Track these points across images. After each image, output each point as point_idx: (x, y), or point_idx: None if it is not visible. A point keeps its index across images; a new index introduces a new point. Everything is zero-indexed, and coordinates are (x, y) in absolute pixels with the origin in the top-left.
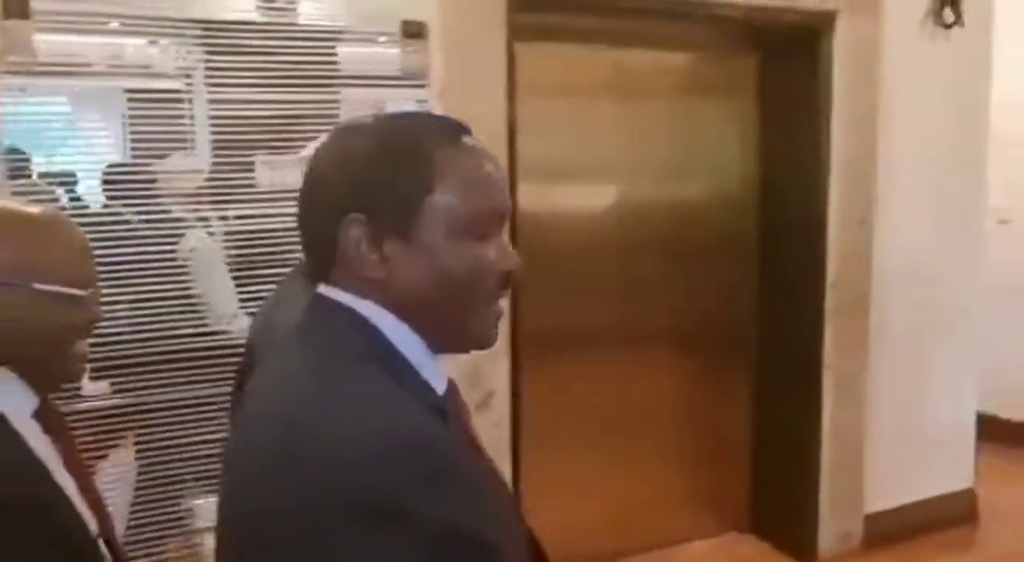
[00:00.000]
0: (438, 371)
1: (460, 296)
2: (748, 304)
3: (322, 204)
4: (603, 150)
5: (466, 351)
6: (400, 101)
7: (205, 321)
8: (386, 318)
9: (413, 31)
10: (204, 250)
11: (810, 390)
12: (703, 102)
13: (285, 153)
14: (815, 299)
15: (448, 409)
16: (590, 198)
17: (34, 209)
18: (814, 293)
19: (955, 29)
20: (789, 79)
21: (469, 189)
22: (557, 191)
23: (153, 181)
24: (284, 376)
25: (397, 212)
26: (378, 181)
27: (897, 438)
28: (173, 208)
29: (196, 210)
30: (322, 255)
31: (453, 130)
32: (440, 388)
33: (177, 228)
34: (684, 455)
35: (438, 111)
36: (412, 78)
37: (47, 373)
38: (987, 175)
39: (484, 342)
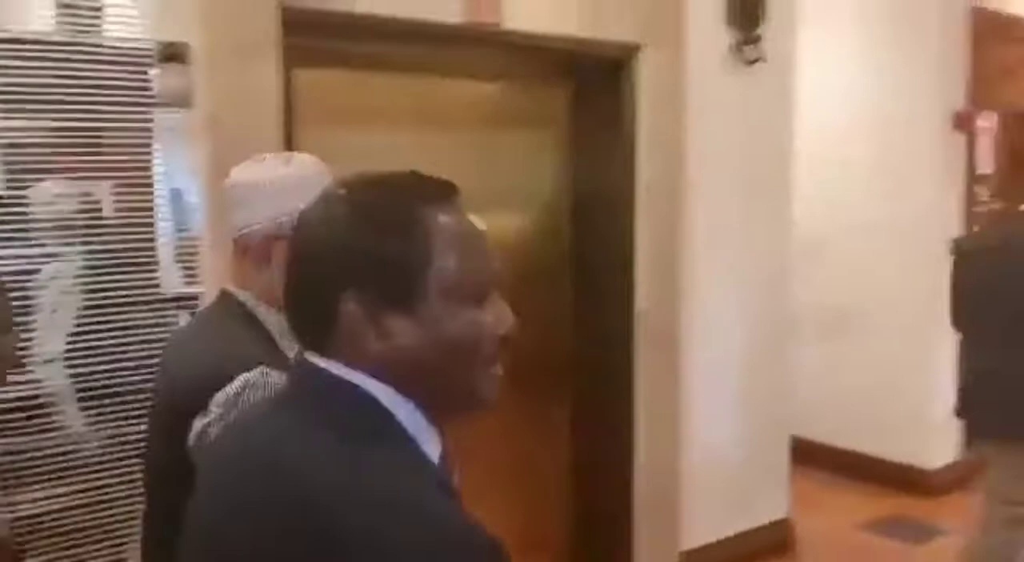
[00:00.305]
0: (433, 440)
1: (463, 362)
2: (565, 336)
3: (316, 278)
4: None
5: (467, 414)
6: (166, 126)
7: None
8: (385, 391)
9: (171, 54)
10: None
11: (623, 424)
12: (514, 132)
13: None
14: (626, 330)
15: (446, 479)
16: None
17: None
18: (624, 324)
19: (758, 64)
20: (599, 110)
21: (467, 255)
22: None
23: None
24: (292, 455)
25: (396, 285)
26: (374, 255)
27: (713, 471)
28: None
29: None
30: (317, 327)
31: (443, 192)
32: (435, 457)
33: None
34: (505, 494)
35: (205, 140)
36: (173, 103)
37: None
38: (793, 202)
39: (488, 404)
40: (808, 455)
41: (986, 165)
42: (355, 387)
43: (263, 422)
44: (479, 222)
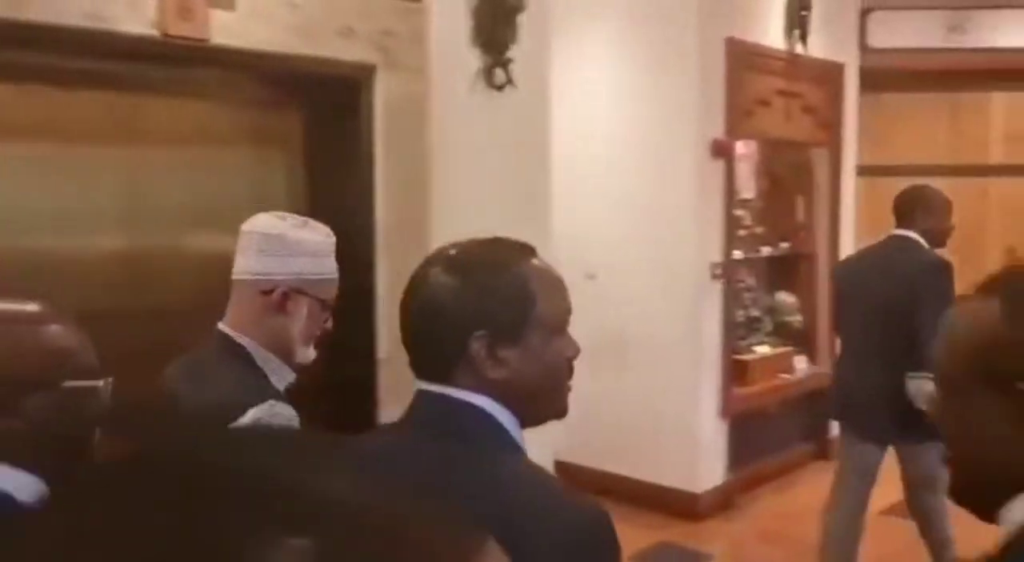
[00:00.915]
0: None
1: (555, 381)
2: (300, 384)
3: (447, 325)
4: (98, 204)
5: (547, 421)
6: None
7: None
8: (500, 410)
9: None
10: None
11: None
12: (236, 154)
13: None
14: (367, 379)
15: None
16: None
17: (31, 306)
18: (366, 373)
19: (509, 89)
20: (333, 135)
21: (554, 297)
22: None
23: None
24: (464, 475)
25: (511, 326)
26: (494, 304)
27: None
28: None
29: None
30: (445, 362)
31: (528, 251)
32: None
33: None
34: None
35: None
36: None
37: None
38: (552, 232)
39: (565, 413)
40: (575, 480)
41: (747, 191)
42: (478, 408)
43: (407, 450)
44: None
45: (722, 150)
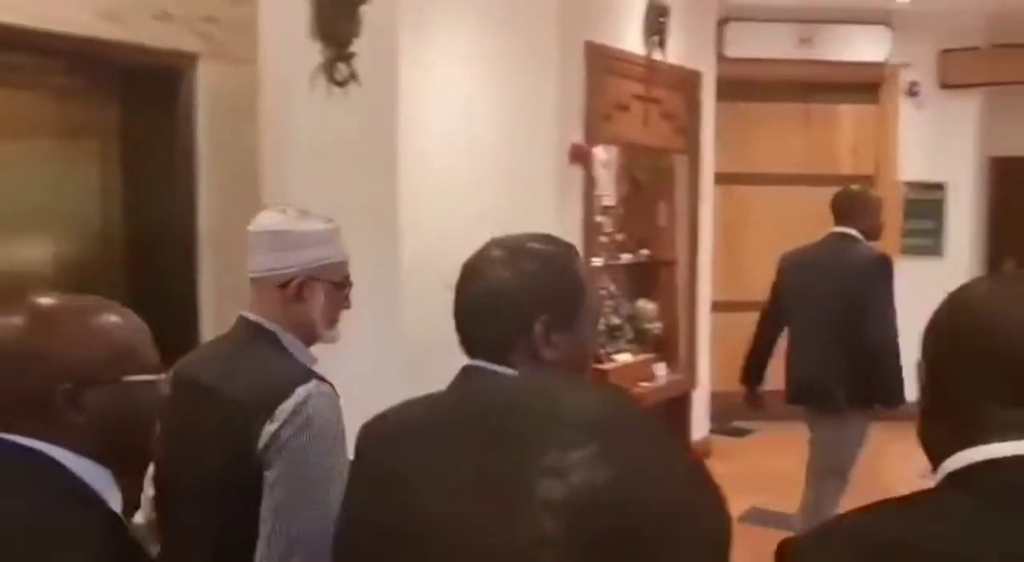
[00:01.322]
0: None
1: (588, 367)
2: None
3: (510, 310)
4: None
5: None
6: None
7: None
8: None
9: None
10: None
11: None
12: (41, 150)
13: None
14: None
15: None
16: None
17: (87, 301)
18: None
19: (353, 86)
20: (151, 130)
21: (594, 293)
22: None
23: None
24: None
25: (567, 313)
26: (556, 293)
27: None
28: None
29: None
30: (506, 342)
31: (573, 248)
32: None
33: None
34: None
35: None
36: None
37: (134, 462)
38: (402, 241)
39: None
40: None
41: (608, 197)
42: None
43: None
44: None
45: (581, 155)
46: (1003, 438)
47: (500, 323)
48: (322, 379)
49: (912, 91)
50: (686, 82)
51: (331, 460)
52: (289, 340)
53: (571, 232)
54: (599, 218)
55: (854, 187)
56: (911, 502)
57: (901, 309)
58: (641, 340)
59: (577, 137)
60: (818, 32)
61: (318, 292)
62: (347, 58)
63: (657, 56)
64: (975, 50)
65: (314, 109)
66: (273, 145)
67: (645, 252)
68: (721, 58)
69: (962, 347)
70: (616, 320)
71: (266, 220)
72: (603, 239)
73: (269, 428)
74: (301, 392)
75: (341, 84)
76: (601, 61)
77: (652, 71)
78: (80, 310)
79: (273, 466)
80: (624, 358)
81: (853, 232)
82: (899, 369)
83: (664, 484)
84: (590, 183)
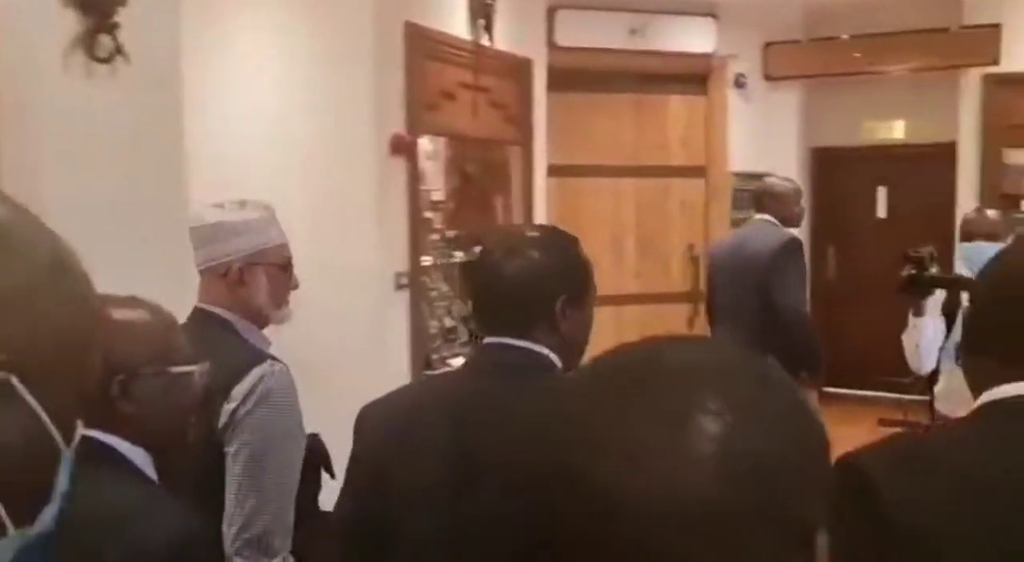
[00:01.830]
0: None
1: (588, 341)
2: None
3: (542, 289)
4: None
5: None
6: None
7: None
8: (558, 360)
9: None
10: None
11: None
12: None
13: None
14: None
15: None
16: None
17: (126, 297)
18: None
19: (121, 64)
20: None
21: (595, 277)
22: None
23: None
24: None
25: (579, 293)
26: (571, 275)
27: None
28: None
29: None
30: (530, 318)
31: (577, 240)
32: None
33: None
34: None
35: None
36: None
37: (175, 449)
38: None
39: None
40: None
41: (437, 191)
42: (548, 357)
43: (508, 389)
44: None
45: (403, 146)
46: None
47: (526, 301)
48: (276, 359)
49: (739, 82)
50: (516, 70)
51: (290, 428)
52: (243, 326)
53: (395, 228)
54: (428, 214)
55: (767, 178)
56: (968, 427)
57: None
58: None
59: (398, 127)
60: (648, 22)
61: (259, 276)
62: (111, 29)
63: (484, 41)
64: (795, 43)
65: (71, 91)
66: (15, 135)
67: (480, 249)
68: (552, 46)
69: (1007, 294)
70: (450, 322)
71: (205, 215)
72: (433, 237)
73: (227, 407)
74: (256, 372)
75: (105, 61)
76: (423, 44)
77: (479, 57)
78: (126, 304)
79: (233, 441)
80: (459, 362)
81: (768, 217)
82: (815, 338)
83: (796, 430)
84: (415, 176)
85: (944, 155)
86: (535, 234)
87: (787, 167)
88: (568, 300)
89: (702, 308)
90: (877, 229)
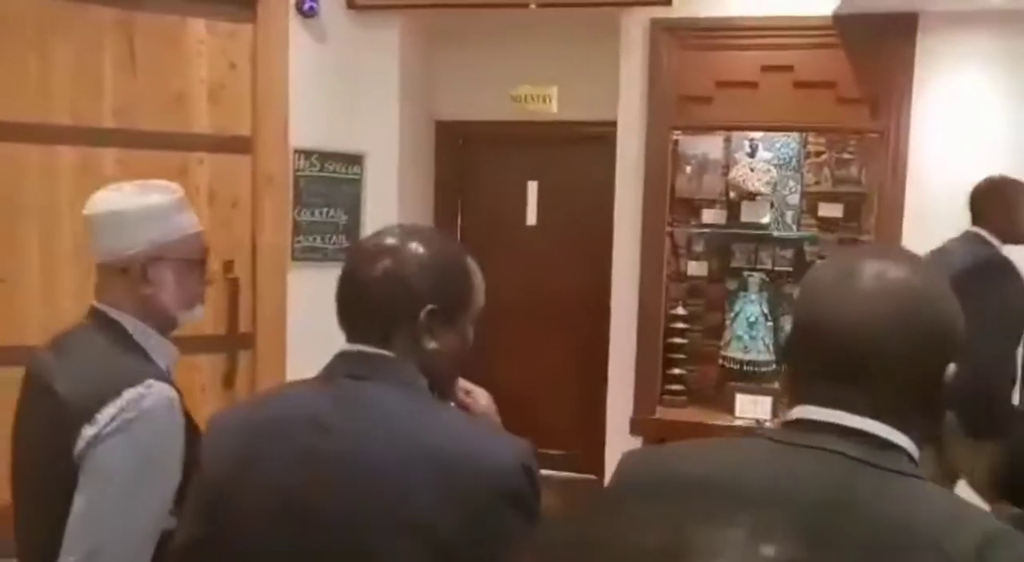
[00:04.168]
0: None
1: (459, 365)
2: None
3: (406, 294)
4: None
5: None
6: None
7: None
8: (421, 378)
9: None
10: None
11: None
12: None
13: None
14: None
15: None
16: None
17: None
18: None
19: None
20: None
21: (481, 292)
22: None
23: None
24: (405, 411)
25: (453, 308)
26: (447, 285)
27: None
28: None
29: None
30: (389, 327)
31: (464, 247)
32: None
33: None
34: None
35: None
36: None
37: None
38: None
39: (454, 397)
40: None
41: None
42: (413, 369)
43: (365, 393)
44: None
45: None
46: (814, 403)
47: (387, 306)
48: (163, 378)
49: (305, 8)
50: None
51: (153, 463)
52: (140, 330)
53: None
54: None
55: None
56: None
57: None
58: None
59: None
60: None
61: (165, 272)
62: None
63: None
64: None
65: None
66: None
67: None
68: None
69: (800, 331)
70: None
71: (99, 201)
72: None
73: (87, 432)
74: (128, 395)
75: None
76: None
77: None
78: None
79: (82, 471)
80: None
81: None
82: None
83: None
84: None
85: (606, 137)
86: (413, 236)
87: (386, 146)
88: (436, 313)
89: (246, 356)
90: (527, 238)
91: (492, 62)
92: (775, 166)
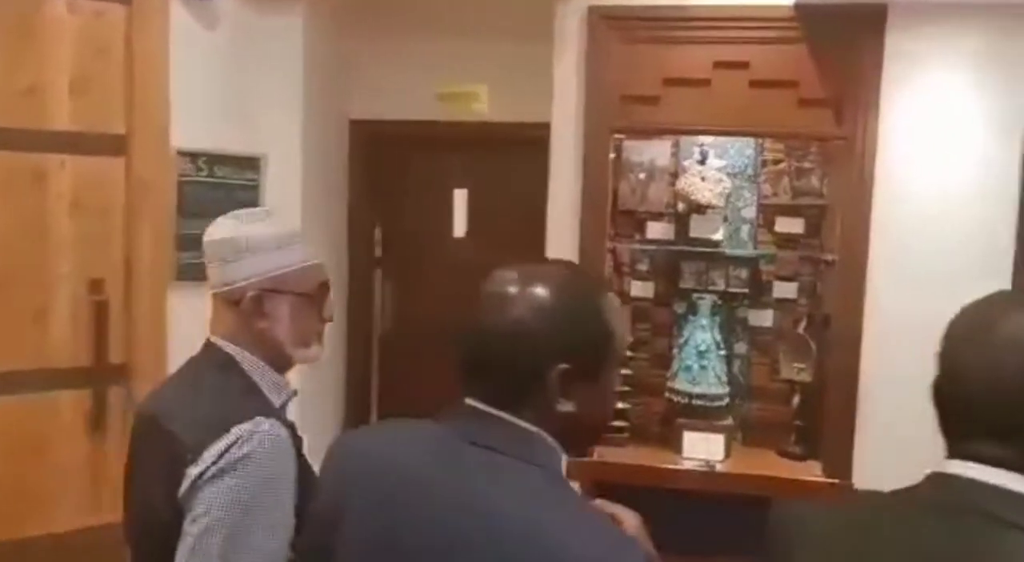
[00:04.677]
0: None
1: (609, 418)
2: None
3: (532, 350)
4: None
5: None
6: None
7: None
8: (556, 444)
9: None
10: None
11: None
12: None
13: None
14: None
15: None
16: None
17: None
18: None
19: None
20: None
21: (623, 332)
22: None
23: None
24: (530, 493)
25: (592, 361)
26: (580, 334)
27: None
28: None
29: None
30: (518, 389)
31: (601, 280)
32: None
33: None
34: None
35: None
36: None
37: None
38: None
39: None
40: None
41: None
42: (540, 438)
43: (456, 463)
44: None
45: None
46: (958, 457)
47: (513, 368)
48: (275, 415)
49: None
50: None
51: (254, 511)
52: (253, 365)
53: None
54: None
55: None
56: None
57: None
58: None
59: None
60: None
61: (281, 306)
62: None
63: None
64: None
65: None
66: None
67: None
68: None
69: (938, 387)
70: None
71: (216, 228)
72: None
73: (192, 471)
74: (236, 433)
75: None
76: None
77: None
78: None
79: (188, 513)
80: None
81: None
82: None
83: None
84: None
85: (540, 141)
86: (535, 280)
87: (288, 148)
88: (570, 372)
89: (118, 392)
90: (455, 252)
91: (415, 55)
92: (729, 175)
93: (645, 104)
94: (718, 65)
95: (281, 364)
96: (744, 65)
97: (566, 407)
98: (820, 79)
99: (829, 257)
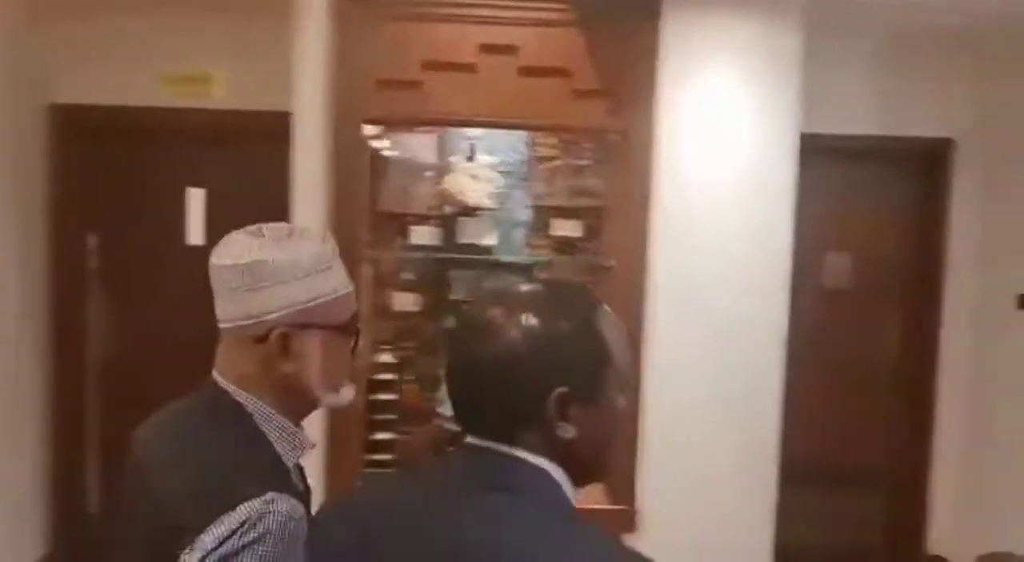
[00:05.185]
0: None
1: (613, 442)
2: None
3: (527, 379)
4: None
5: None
6: None
7: None
8: (560, 473)
9: None
10: None
11: None
12: None
13: None
14: None
15: None
16: None
17: None
18: None
19: None
20: None
21: (623, 350)
22: None
23: None
24: (520, 539)
25: (591, 384)
26: (576, 359)
27: None
28: None
29: None
30: (515, 419)
31: (595, 296)
32: None
33: None
34: None
35: None
36: None
37: None
38: None
39: (610, 473)
40: None
41: None
42: (546, 472)
43: (463, 507)
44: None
45: None
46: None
47: (509, 401)
48: (287, 486)
49: None
50: None
51: None
52: (265, 415)
53: None
54: None
55: None
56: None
57: None
58: None
59: None
60: None
61: (313, 342)
62: None
63: None
64: None
65: None
66: None
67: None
68: None
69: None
70: None
71: (232, 248)
72: None
73: (189, 559)
74: (244, 512)
75: None
76: None
77: None
78: None
79: None
80: None
81: None
82: None
83: None
84: None
85: (284, 133)
86: (519, 304)
87: None
88: (567, 396)
89: None
90: (190, 262)
91: (134, 34)
92: (500, 173)
93: (403, 90)
94: (484, 48)
95: (304, 411)
96: (513, 49)
97: (568, 433)
98: (594, 68)
99: (610, 263)
